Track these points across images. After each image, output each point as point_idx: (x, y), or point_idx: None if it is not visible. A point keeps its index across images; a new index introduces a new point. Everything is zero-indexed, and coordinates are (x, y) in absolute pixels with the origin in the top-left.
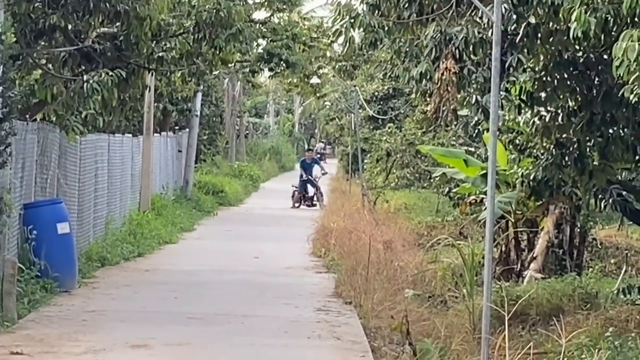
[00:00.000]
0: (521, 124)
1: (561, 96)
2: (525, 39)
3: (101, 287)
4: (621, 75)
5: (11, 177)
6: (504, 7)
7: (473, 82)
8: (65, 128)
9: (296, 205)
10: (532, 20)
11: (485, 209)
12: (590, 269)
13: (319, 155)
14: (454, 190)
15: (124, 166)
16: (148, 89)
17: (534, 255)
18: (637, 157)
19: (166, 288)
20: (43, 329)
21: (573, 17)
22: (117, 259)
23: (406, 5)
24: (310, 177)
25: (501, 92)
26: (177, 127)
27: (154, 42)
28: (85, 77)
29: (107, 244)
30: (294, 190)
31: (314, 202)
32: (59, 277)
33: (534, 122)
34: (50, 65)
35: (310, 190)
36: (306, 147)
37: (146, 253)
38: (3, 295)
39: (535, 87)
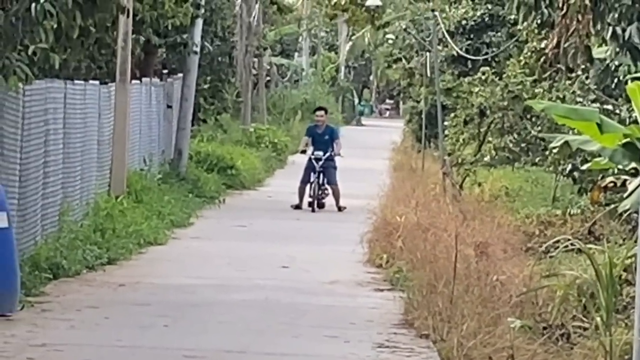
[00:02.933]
0: None
1: None
2: None
3: (54, 310)
4: None
5: None
6: None
7: (614, 7)
8: (3, 70)
9: (295, 205)
10: None
11: (633, 195)
12: None
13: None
14: (582, 168)
15: (88, 128)
16: (125, 12)
17: None
18: None
19: (151, 311)
20: None
21: None
22: (78, 268)
23: None
24: (319, 156)
25: None
26: (166, 71)
27: None
28: None
29: (62, 245)
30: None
31: (323, 203)
32: None
33: None
34: None
35: (316, 180)
36: (356, 101)
37: (120, 259)
38: None
39: None
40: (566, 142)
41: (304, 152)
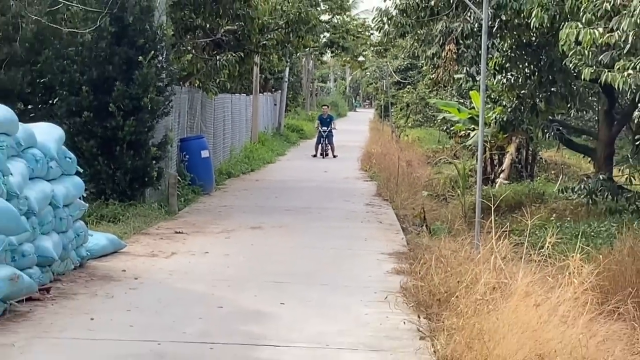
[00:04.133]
0: (494, 84)
1: (520, 66)
2: (498, 30)
3: (229, 191)
4: (564, 50)
5: (172, 122)
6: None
7: (465, 58)
8: (205, 90)
9: (313, 155)
10: (503, 17)
11: (472, 138)
12: (539, 177)
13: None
14: (451, 128)
15: (241, 115)
16: (256, 65)
17: (502, 169)
18: (568, 105)
19: (269, 191)
20: (194, 217)
21: (532, 14)
22: (238, 173)
23: (422, 9)
24: (324, 129)
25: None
26: (273, 89)
27: (260, 34)
28: (217, 58)
29: (231, 164)
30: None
31: (327, 153)
32: (203, 185)
33: (502, 82)
34: (194, 51)
35: (323, 142)
36: (353, 101)
37: (256, 169)
38: (169, 196)
39: (504, 60)
40: (444, 117)
41: (317, 128)
